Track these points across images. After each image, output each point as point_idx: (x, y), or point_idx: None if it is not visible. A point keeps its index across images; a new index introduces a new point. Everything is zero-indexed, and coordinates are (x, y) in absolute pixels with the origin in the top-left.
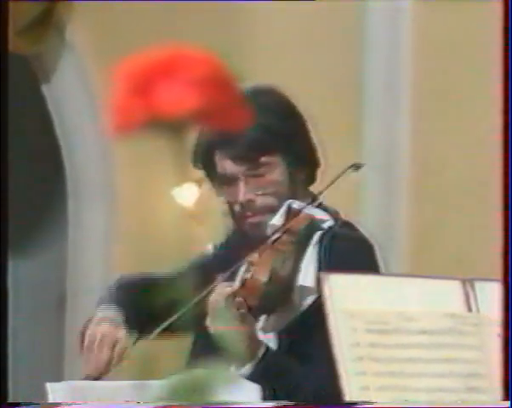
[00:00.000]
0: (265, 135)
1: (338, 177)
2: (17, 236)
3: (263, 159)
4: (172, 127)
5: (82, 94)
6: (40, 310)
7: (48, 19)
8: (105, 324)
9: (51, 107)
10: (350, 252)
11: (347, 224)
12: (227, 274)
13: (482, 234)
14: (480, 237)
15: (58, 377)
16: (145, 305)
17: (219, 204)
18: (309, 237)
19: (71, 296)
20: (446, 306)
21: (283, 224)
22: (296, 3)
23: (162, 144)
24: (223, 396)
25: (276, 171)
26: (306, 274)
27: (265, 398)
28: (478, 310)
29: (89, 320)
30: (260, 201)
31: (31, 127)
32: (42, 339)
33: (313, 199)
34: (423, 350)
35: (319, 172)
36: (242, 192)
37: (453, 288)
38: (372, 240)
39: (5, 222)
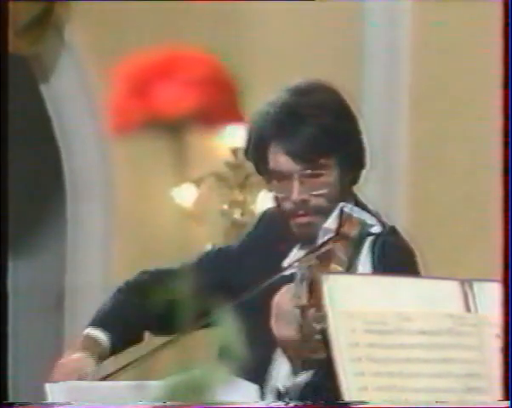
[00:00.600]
0: (324, 135)
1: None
2: (16, 237)
3: (321, 160)
4: (170, 127)
5: (80, 94)
6: (39, 310)
7: (46, 20)
8: (78, 354)
9: (50, 107)
10: (402, 262)
11: (393, 230)
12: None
13: (481, 234)
14: (480, 238)
15: None
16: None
17: (217, 204)
18: (360, 243)
19: (69, 295)
20: (445, 306)
21: (337, 228)
22: (295, 4)
23: (161, 145)
24: (221, 396)
25: (332, 172)
26: None
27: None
28: (477, 311)
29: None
30: (314, 201)
31: (29, 128)
32: (41, 339)
33: (356, 201)
34: (422, 350)
35: (363, 174)
36: (297, 191)
37: (452, 289)
38: (414, 247)
39: (5, 222)
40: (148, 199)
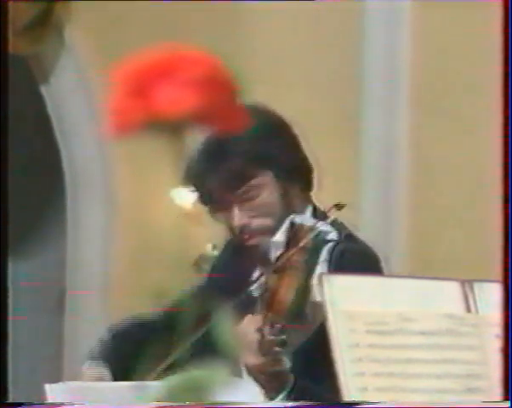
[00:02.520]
0: (251, 160)
1: (322, 218)
2: (16, 236)
3: (253, 182)
4: (170, 128)
5: (80, 95)
6: (39, 309)
7: (46, 20)
8: None
9: (50, 108)
10: (361, 267)
11: (350, 237)
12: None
13: (481, 235)
14: (479, 238)
15: (57, 377)
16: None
17: None
18: (316, 251)
19: (69, 295)
20: (445, 307)
21: (288, 240)
22: (295, 4)
23: (161, 145)
24: (221, 397)
25: (267, 190)
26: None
27: None
28: (477, 311)
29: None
30: (256, 223)
31: (29, 128)
32: (41, 338)
33: (314, 208)
34: (422, 351)
35: (315, 177)
36: (237, 217)
37: (452, 289)
38: (376, 251)
39: (5, 222)
40: (148, 199)
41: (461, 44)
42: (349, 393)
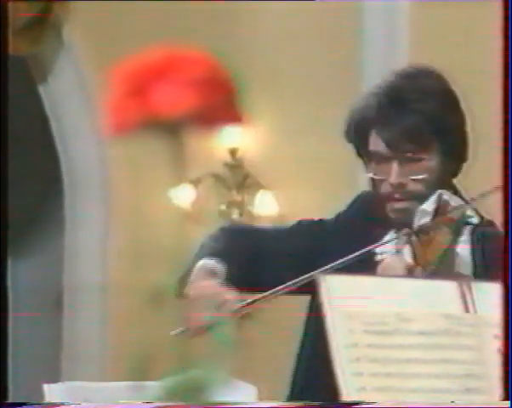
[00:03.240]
0: (427, 123)
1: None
2: (14, 236)
3: (421, 145)
4: (168, 127)
5: (79, 95)
6: (37, 309)
7: (45, 20)
8: (211, 281)
9: (48, 107)
10: (498, 254)
11: (491, 223)
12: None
13: None
14: None
15: (55, 377)
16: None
17: (215, 205)
18: (458, 232)
19: (68, 295)
20: (444, 307)
21: (434, 213)
22: (293, 4)
23: (159, 145)
24: (219, 397)
25: (433, 158)
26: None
27: None
28: (475, 311)
29: (188, 274)
30: (412, 186)
31: (27, 127)
32: (39, 338)
33: (455, 192)
34: (421, 351)
35: (464, 167)
36: (395, 174)
37: (450, 289)
38: None
39: (5, 222)
40: (146, 199)
41: (460, 44)
42: (347, 393)
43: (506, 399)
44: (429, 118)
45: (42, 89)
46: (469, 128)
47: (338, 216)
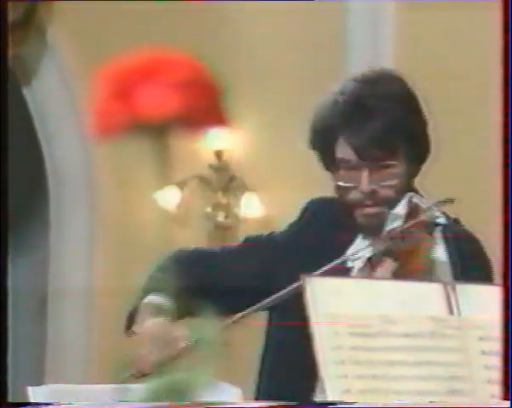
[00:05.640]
0: (393, 128)
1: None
2: None
3: (390, 151)
4: (154, 130)
5: (63, 97)
6: (21, 313)
7: (29, 21)
8: (158, 320)
9: (32, 109)
10: (476, 250)
11: (457, 222)
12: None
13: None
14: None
15: (39, 380)
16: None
17: (201, 207)
18: (430, 231)
19: (52, 299)
20: (428, 309)
21: (406, 214)
22: (280, 5)
23: (144, 148)
24: (203, 398)
25: (401, 164)
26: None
27: None
28: (459, 313)
29: (135, 310)
30: (383, 192)
31: (11, 130)
32: (24, 341)
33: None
34: (405, 353)
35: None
36: (367, 181)
37: (435, 291)
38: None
39: (5, 222)
40: (131, 201)
41: (446, 44)
42: (332, 395)
43: (506, 399)
44: (395, 123)
45: (26, 91)
46: (430, 131)
47: (291, 226)
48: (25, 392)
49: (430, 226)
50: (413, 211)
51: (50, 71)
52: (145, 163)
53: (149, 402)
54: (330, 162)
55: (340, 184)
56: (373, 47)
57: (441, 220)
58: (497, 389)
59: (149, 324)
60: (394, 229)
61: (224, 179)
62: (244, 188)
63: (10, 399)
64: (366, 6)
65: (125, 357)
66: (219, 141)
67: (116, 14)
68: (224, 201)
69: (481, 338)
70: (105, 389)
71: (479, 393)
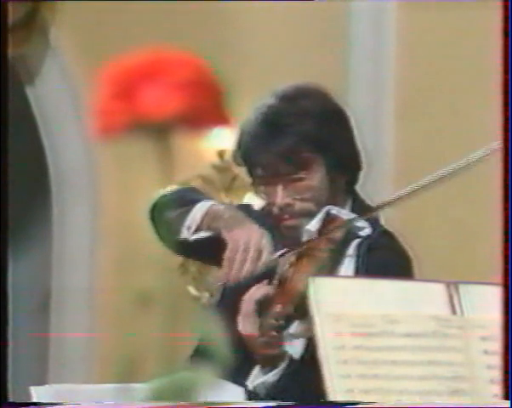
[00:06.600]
0: (302, 143)
1: (398, 197)
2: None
3: (299, 165)
4: (156, 130)
5: (66, 97)
6: (23, 312)
7: (32, 21)
8: (249, 227)
9: (35, 109)
10: (388, 264)
11: (386, 233)
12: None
13: (481, 236)
14: (479, 240)
15: (42, 380)
16: None
17: None
18: (346, 245)
19: (55, 297)
20: (431, 309)
21: (319, 230)
22: (282, 5)
23: (147, 148)
24: (207, 399)
25: (316, 176)
26: None
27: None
28: (462, 313)
29: (226, 215)
30: (299, 205)
31: (15, 129)
32: (26, 340)
33: (354, 202)
34: (408, 353)
35: (361, 175)
36: (280, 196)
37: (437, 291)
38: (411, 254)
39: (5, 223)
40: (134, 201)
41: (449, 46)
42: (335, 395)
43: (506, 399)
44: (305, 138)
45: (29, 91)
46: (357, 139)
47: None
48: (27, 391)
49: (348, 239)
50: (330, 224)
51: (53, 71)
52: (147, 163)
53: (152, 402)
54: (252, 178)
55: (261, 198)
56: (375, 47)
57: (363, 231)
58: (499, 389)
59: (246, 232)
60: (307, 245)
61: (226, 179)
62: (247, 188)
63: (11, 398)
64: (368, 6)
65: (127, 356)
66: (221, 141)
67: (118, 14)
68: (226, 201)
69: (484, 338)
70: (106, 389)
71: (481, 392)
